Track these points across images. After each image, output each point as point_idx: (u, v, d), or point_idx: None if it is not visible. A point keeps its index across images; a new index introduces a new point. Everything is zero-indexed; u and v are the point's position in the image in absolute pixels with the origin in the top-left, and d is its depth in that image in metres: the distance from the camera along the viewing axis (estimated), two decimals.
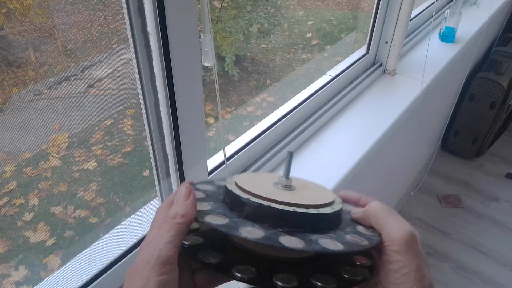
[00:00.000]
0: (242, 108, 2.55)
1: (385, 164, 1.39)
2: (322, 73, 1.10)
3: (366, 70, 1.20)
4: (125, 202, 1.52)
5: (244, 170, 0.81)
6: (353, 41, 3.08)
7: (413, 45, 1.42)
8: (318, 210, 0.32)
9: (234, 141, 0.83)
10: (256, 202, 0.31)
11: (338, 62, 1.15)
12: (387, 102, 1.13)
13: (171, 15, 0.47)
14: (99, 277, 0.57)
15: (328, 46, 3.21)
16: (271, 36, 2.96)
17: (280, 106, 0.95)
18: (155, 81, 0.52)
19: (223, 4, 2.61)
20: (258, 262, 0.31)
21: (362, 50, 1.20)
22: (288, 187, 0.35)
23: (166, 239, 0.29)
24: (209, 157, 0.74)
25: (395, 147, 1.40)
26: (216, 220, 0.31)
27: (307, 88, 1.02)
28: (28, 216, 1.32)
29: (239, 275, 0.29)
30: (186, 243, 0.32)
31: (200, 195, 0.36)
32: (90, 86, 1.60)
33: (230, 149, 0.80)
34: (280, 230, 0.30)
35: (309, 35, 3.29)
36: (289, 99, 0.98)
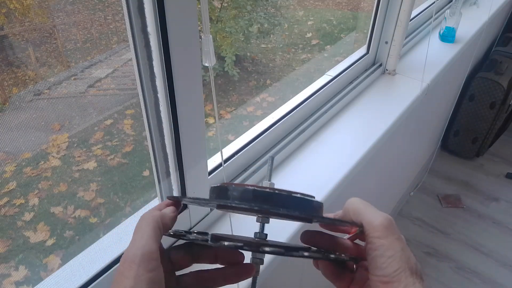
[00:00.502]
0: (242, 108, 2.55)
1: (385, 164, 1.39)
2: (322, 73, 1.10)
3: (366, 70, 1.20)
4: (125, 202, 1.52)
5: (244, 171, 0.81)
6: (353, 41, 3.08)
7: (413, 45, 1.42)
8: (301, 195, 0.33)
9: (234, 141, 0.83)
10: (242, 188, 0.32)
11: (338, 62, 1.15)
12: (387, 102, 1.13)
13: (171, 15, 0.47)
14: (99, 277, 0.57)
15: (328, 46, 3.21)
16: (271, 36, 2.96)
17: (280, 106, 0.95)
18: (155, 81, 0.52)
19: (223, 4, 2.61)
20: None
21: (362, 50, 1.20)
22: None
23: (147, 234, 0.30)
24: (209, 157, 0.74)
25: (395, 147, 1.40)
26: (202, 201, 0.32)
27: (307, 88, 1.02)
28: (28, 216, 1.32)
29: (226, 243, 0.29)
30: (171, 232, 0.33)
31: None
32: (90, 86, 1.60)
33: (230, 149, 0.80)
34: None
35: (309, 35, 3.29)
36: (289, 99, 0.98)
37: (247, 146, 0.81)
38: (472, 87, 2.13)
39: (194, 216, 0.68)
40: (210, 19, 2.49)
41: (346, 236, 0.39)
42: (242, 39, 2.69)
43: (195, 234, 0.38)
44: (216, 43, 2.47)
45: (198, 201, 0.34)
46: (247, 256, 0.36)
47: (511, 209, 2.08)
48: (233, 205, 0.31)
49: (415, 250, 1.88)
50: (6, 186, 1.32)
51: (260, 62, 2.95)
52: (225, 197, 0.32)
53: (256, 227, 0.37)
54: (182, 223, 0.67)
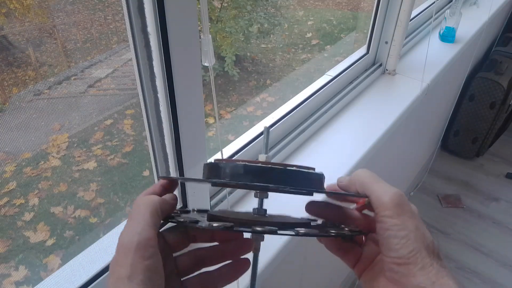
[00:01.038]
0: (242, 108, 2.55)
1: (385, 164, 1.39)
2: (322, 73, 1.10)
3: (366, 70, 1.20)
4: (125, 202, 1.52)
5: None
6: (353, 41, 3.08)
7: (413, 45, 1.42)
8: (297, 169, 0.31)
9: (234, 141, 0.83)
10: (233, 164, 0.30)
11: (338, 62, 1.15)
12: (387, 102, 1.13)
13: (171, 15, 0.47)
14: (99, 277, 0.57)
15: (328, 46, 3.21)
16: (271, 36, 2.96)
17: (280, 106, 0.95)
18: (155, 81, 0.52)
19: (223, 4, 2.61)
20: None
21: (362, 50, 1.20)
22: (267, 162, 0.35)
23: (144, 220, 0.28)
24: (209, 157, 0.74)
25: (395, 147, 1.40)
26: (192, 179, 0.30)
27: (307, 88, 1.02)
28: (28, 216, 1.32)
29: (215, 224, 0.28)
30: (170, 220, 0.31)
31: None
32: (90, 86, 1.60)
33: (230, 149, 0.80)
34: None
35: (309, 35, 3.29)
36: (289, 99, 0.98)
37: (247, 146, 0.81)
38: (472, 87, 2.13)
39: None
40: (210, 19, 2.49)
41: (353, 206, 0.37)
42: (242, 39, 2.69)
43: (195, 211, 0.37)
44: (216, 43, 2.47)
45: (191, 180, 0.32)
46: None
47: (511, 209, 2.08)
48: (224, 182, 0.30)
49: None
50: (6, 186, 1.32)
51: (260, 62, 2.95)
52: (217, 174, 0.31)
53: (241, 203, 0.36)
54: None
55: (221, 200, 0.74)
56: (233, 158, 0.80)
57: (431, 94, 1.33)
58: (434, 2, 1.53)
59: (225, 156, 0.77)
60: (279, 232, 0.27)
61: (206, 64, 0.53)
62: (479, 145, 2.28)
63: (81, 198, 1.45)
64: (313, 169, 0.33)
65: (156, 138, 0.58)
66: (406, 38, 1.31)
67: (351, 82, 1.13)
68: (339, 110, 1.07)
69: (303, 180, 0.31)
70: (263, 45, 3.00)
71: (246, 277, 0.34)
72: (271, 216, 0.35)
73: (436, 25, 1.56)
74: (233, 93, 2.63)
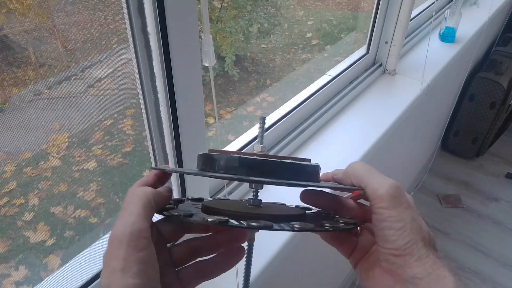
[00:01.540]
0: (242, 108, 2.55)
1: (385, 164, 1.39)
2: (322, 73, 1.10)
3: (366, 70, 1.20)
4: None
5: None
6: (353, 41, 3.08)
7: (413, 45, 1.42)
8: (292, 161, 0.31)
9: (234, 141, 0.83)
10: (227, 156, 0.30)
11: (338, 62, 1.15)
12: (387, 102, 1.13)
13: (171, 15, 0.47)
14: (99, 277, 0.57)
15: (328, 46, 3.21)
16: (271, 36, 2.96)
17: (280, 106, 0.95)
18: (155, 81, 0.52)
19: (223, 4, 2.61)
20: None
21: (362, 50, 1.20)
22: (263, 153, 0.34)
23: (137, 211, 0.27)
24: None
25: (395, 147, 1.40)
26: (185, 170, 0.30)
27: (307, 88, 1.03)
28: (28, 216, 1.32)
29: (209, 219, 0.27)
30: (163, 212, 0.31)
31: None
32: (90, 86, 1.60)
33: (230, 149, 0.80)
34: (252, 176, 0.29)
35: (309, 35, 3.29)
36: (289, 99, 0.98)
37: (247, 146, 0.81)
38: (472, 87, 2.13)
39: None
40: (210, 19, 2.49)
41: (348, 194, 0.37)
42: (242, 39, 2.69)
43: (189, 200, 0.37)
44: (216, 43, 2.47)
45: (183, 172, 0.32)
46: None
47: (511, 209, 2.08)
48: (218, 175, 0.29)
49: None
50: (6, 186, 1.32)
51: (260, 62, 2.95)
52: (211, 166, 0.30)
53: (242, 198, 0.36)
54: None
55: (220, 192, 0.74)
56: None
57: (431, 94, 1.33)
58: (434, 2, 1.53)
59: None
60: (274, 227, 0.27)
61: (206, 64, 0.53)
62: (479, 145, 2.28)
63: (81, 198, 1.45)
64: (309, 160, 0.32)
65: (156, 138, 0.58)
66: (406, 38, 1.31)
67: (351, 82, 1.13)
68: (339, 110, 1.07)
69: (299, 173, 0.31)
70: (263, 45, 3.00)
71: (242, 269, 0.34)
72: (266, 206, 0.35)
73: (436, 25, 1.56)
74: (233, 93, 2.63)
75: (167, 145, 0.59)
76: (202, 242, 0.34)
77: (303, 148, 0.94)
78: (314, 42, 3.24)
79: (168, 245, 0.33)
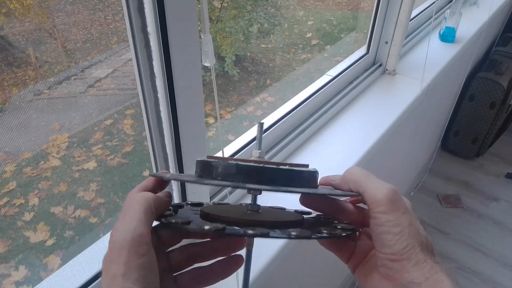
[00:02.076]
0: (242, 108, 2.55)
1: (385, 164, 1.39)
2: (322, 73, 1.10)
3: (366, 70, 1.20)
4: None
5: None
6: (353, 41, 3.08)
7: (413, 45, 1.42)
8: (289, 167, 0.31)
9: (234, 141, 0.83)
10: (225, 162, 0.30)
11: (338, 62, 1.15)
12: (387, 102, 1.13)
13: (171, 15, 0.47)
14: (99, 277, 0.57)
15: (328, 46, 3.21)
16: (271, 36, 2.96)
17: (280, 106, 0.95)
18: (155, 81, 0.52)
19: (223, 4, 2.61)
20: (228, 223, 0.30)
21: (362, 50, 1.20)
22: (261, 158, 0.34)
23: (138, 216, 0.27)
24: None
25: (395, 147, 1.40)
26: (181, 177, 0.30)
27: (307, 88, 1.03)
28: (28, 216, 1.32)
29: (206, 227, 0.27)
30: (162, 219, 0.31)
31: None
32: (90, 86, 1.60)
33: (230, 149, 0.80)
34: (250, 184, 0.29)
35: (309, 35, 3.29)
36: (289, 99, 0.98)
37: (247, 146, 0.81)
38: (472, 87, 2.13)
39: None
40: (210, 19, 2.49)
41: (346, 198, 0.36)
42: (242, 39, 2.69)
43: (189, 205, 0.37)
44: (216, 43, 2.47)
45: (182, 180, 0.32)
46: None
47: (511, 209, 2.08)
48: (216, 183, 0.29)
49: None
50: (6, 186, 1.32)
51: (260, 62, 2.95)
52: (209, 173, 0.31)
53: (242, 202, 0.36)
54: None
55: (221, 199, 0.74)
56: (226, 156, 0.80)
57: (431, 94, 1.33)
58: (434, 2, 1.53)
59: (225, 156, 0.77)
60: (271, 235, 0.27)
61: (206, 64, 0.53)
62: (479, 145, 2.28)
63: (81, 198, 1.45)
64: (307, 166, 0.32)
65: (156, 138, 0.58)
66: (406, 38, 1.31)
67: (351, 82, 1.13)
68: (339, 110, 1.07)
69: (296, 179, 0.31)
70: (263, 45, 3.00)
71: (242, 274, 0.34)
72: (264, 211, 0.35)
73: (436, 25, 1.56)
74: (233, 93, 2.63)
75: (167, 145, 0.59)
76: (200, 248, 0.34)
77: (303, 148, 0.94)
78: (314, 42, 3.24)
79: (166, 250, 0.33)
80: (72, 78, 1.51)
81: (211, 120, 2.00)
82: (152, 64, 0.51)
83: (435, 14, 1.52)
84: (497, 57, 2.17)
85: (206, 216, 0.32)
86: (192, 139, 0.60)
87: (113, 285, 0.25)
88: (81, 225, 1.42)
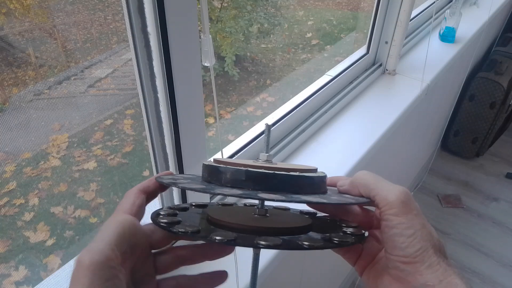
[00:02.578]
0: (242, 108, 2.55)
1: (385, 164, 1.39)
2: (322, 73, 1.10)
3: (366, 70, 1.20)
4: None
5: None
6: (353, 41, 3.08)
7: (413, 45, 1.42)
8: (299, 173, 0.30)
9: (234, 141, 0.83)
10: (234, 168, 0.30)
11: (338, 62, 1.15)
12: (387, 102, 1.13)
13: (171, 15, 0.47)
14: None
15: (328, 46, 3.21)
16: (271, 36, 2.96)
17: (280, 106, 0.95)
18: (155, 81, 0.52)
19: (223, 4, 2.61)
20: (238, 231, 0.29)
21: (362, 50, 1.20)
22: (269, 162, 0.34)
23: (108, 239, 0.27)
24: (209, 157, 0.74)
25: (395, 147, 1.40)
26: (191, 185, 0.30)
27: (307, 88, 1.03)
28: (28, 216, 1.32)
29: (218, 237, 0.27)
30: (163, 221, 0.30)
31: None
32: (90, 86, 1.60)
33: (230, 149, 0.80)
34: (260, 191, 0.29)
35: (309, 35, 3.29)
36: (289, 99, 0.98)
37: (247, 146, 0.81)
38: (472, 87, 2.13)
39: None
40: (210, 19, 2.49)
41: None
42: (242, 39, 2.69)
43: (193, 207, 0.36)
44: (216, 43, 2.47)
45: (193, 187, 0.31)
46: None
47: (511, 209, 2.08)
48: (227, 191, 0.29)
49: None
50: (6, 186, 1.32)
51: (260, 62, 2.95)
52: (218, 179, 0.30)
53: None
54: None
55: (221, 198, 0.74)
56: (233, 159, 0.79)
57: (431, 94, 1.33)
58: (434, 2, 1.53)
59: (225, 156, 0.77)
60: (283, 247, 0.27)
61: (206, 64, 0.53)
62: (479, 145, 2.28)
63: (81, 198, 1.45)
64: (315, 169, 0.32)
65: (156, 138, 0.58)
66: (406, 38, 1.31)
67: (351, 82, 1.13)
68: (339, 110, 1.07)
69: (308, 186, 0.31)
70: (263, 45, 3.00)
71: (246, 277, 0.34)
72: (272, 215, 0.34)
73: (436, 25, 1.56)
74: (233, 93, 2.63)
75: (167, 145, 0.59)
76: (189, 251, 0.33)
77: (303, 148, 0.94)
78: (314, 42, 3.24)
79: (154, 251, 0.33)
80: (72, 78, 1.51)
81: (211, 120, 2.00)
82: (152, 64, 0.51)
83: (435, 14, 1.52)
84: (497, 57, 2.17)
85: (214, 223, 0.32)
86: (192, 139, 0.60)
87: None
88: (81, 225, 1.42)
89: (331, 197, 0.31)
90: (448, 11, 1.44)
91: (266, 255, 0.68)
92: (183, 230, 0.28)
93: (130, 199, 0.32)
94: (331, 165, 0.89)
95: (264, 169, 0.29)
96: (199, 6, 0.49)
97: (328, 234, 0.31)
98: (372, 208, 0.35)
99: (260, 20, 2.73)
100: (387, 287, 0.31)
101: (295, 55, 3.07)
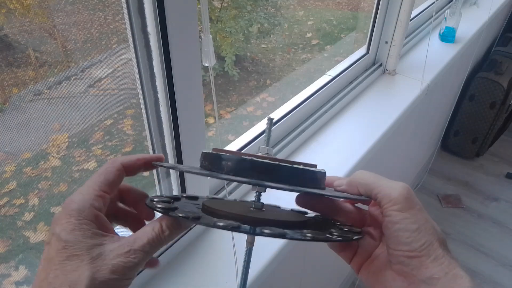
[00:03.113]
0: (242, 108, 2.55)
1: (385, 164, 1.39)
2: (322, 73, 1.10)
3: (366, 70, 1.20)
4: None
5: None
6: (353, 41, 3.08)
7: (413, 45, 1.42)
8: (303, 167, 0.30)
9: (234, 141, 0.83)
10: (238, 157, 0.30)
11: (338, 62, 1.15)
12: (387, 102, 1.13)
13: (171, 15, 0.47)
14: None
15: (328, 46, 3.21)
16: (271, 36, 2.96)
17: (280, 106, 0.95)
18: (155, 81, 0.52)
19: (223, 4, 2.61)
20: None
21: (362, 50, 1.20)
22: (269, 155, 0.34)
23: (90, 189, 0.31)
24: None
25: (395, 147, 1.40)
26: (194, 169, 0.30)
27: (307, 88, 1.03)
28: (28, 216, 1.32)
29: (221, 224, 0.27)
30: (160, 206, 0.30)
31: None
32: (90, 86, 1.60)
33: (230, 149, 0.80)
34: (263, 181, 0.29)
35: (309, 35, 3.29)
36: (289, 99, 0.98)
37: (247, 146, 0.81)
38: (472, 87, 2.13)
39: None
40: (210, 19, 2.49)
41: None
42: (242, 39, 2.69)
43: (184, 198, 0.36)
44: (216, 43, 2.47)
45: (197, 172, 0.31)
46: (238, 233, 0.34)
47: (511, 209, 2.08)
48: (230, 178, 0.28)
49: None
50: (6, 186, 1.32)
51: (260, 62, 2.94)
52: (219, 168, 0.30)
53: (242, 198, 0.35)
54: None
55: (218, 193, 0.74)
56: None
57: (431, 94, 1.33)
58: (434, 2, 1.53)
59: None
60: (287, 236, 0.27)
61: (206, 64, 0.53)
62: (479, 145, 2.28)
63: None
64: (315, 166, 0.32)
65: (156, 138, 0.58)
66: (406, 38, 1.31)
67: (351, 82, 1.13)
68: (339, 110, 1.07)
69: (309, 180, 0.31)
70: (263, 45, 3.00)
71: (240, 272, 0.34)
72: (267, 210, 0.34)
73: (436, 25, 1.56)
74: (233, 93, 2.63)
75: (167, 145, 0.59)
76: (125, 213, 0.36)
77: (303, 148, 0.94)
78: (314, 42, 3.24)
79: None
80: (72, 78, 1.51)
81: (211, 120, 2.00)
82: (152, 64, 0.51)
83: (435, 14, 1.52)
84: (497, 57, 2.17)
85: (213, 212, 0.31)
86: (192, 139, 0.60)
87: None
88: None
89: (334, 192, 0.31)
90: (448, 11, 1.44)
91: (266, 255, 0.68)
92: (183, 215, 0.28)
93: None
94: (331, 165, 0.89)
95: (269, 160, 0.29)
96: (199, 6, 0.49)
97: (328, 230, 0.31)
98: (364, 207, 0.35)
99: (260, 20, 2.73)
100: (390, 283, 0.31)
101: (295, 55, 3.07)
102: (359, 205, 0.36)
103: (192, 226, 0.67)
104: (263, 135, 0.84)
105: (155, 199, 0.32)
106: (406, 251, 0.29)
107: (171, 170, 0.62)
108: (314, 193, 0.30)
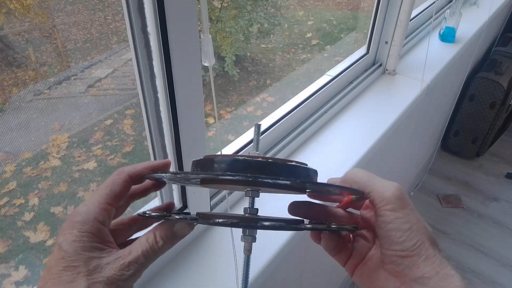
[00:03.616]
0: (242, 108, 2.55)
1: (385, 164, 1.39)
2: (322, 73, 1.10)
3: (366, 70, 1.20)
4: None
5: None
6: (353, 41, 3.08)
7: (413, 45, 1.42)
8: (296, 164, 0.31)
9: (234, 141, 0.83)
10: (231, 158, 0.30)
11: (338, 62, 1.15)
12: (387, 102, 1.13)
13: (171, 15, 0.47)
14: None
15: (328, 46, 3.21)
16: (271, 36, 2.96)
17: (280, 106, 0.95)
18: (155, 81, 0.52)
19: (223, 4, 2.61)
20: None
21: (362, 50, 1.20)
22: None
23: (96, 201, 0.30)
24: None
25: (395, 147, 1.40)
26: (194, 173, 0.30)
27: (307, 88, 1.03)
28: (28, 216, 1.32)
29: (221, 220, 0.27)
30: (154, 214, 0.31)
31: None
32: (90, 86, 1.60)
33: (230, 149, 0.80)
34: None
35: (309, 35, 3.29)
36: (289, 99, 0.98)
37: (247, 146, 0.81)
38: (472, 87, 2.13)
39: None
40: (210, 19, 2.49)
41: (335, 204, 0.37)
42: (242, 39, 2.69)
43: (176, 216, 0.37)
44: (216, 43, 2.47)
45: (187, 175, 0.31)
46: (237, 234, 0.34)
47: (511, 209, 2.08)
48: (226, 177, 0.28)
49: None
50: (6, 186, 1.32)
51: (260, 62, 2.94)
52: (212, 170, 0.30)
53: (241, 204, 0.35)
54: None
55: (220, 201, 0.74)
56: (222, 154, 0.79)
57: (431, 94, 1.33)
58: (434, 2, 1.53)
59: None
60: (288, 227, 0.27)
61: (206, 64, 0.53)
62: (479, 145, 2.28)
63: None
64: (306, 164, 0.32)
65: (156, 138, 0.58)
66: (406, 38, 1.31)
67: (351, 82, 1.13)
68: (339, 110, 1.07)
69: (302, 177, 0.31)
70: (263, 45, 3.00)
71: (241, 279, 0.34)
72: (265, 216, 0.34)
73: (436, 25, 1.56)
74: (233, 93, 2.63)
75: (167, 145, 0.59)
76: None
77: (303, 148, 0.94)
78: (314, 42, 3.24)
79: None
80: (72, 78, 1.51)
81: (211, 120, 2.00)
82: (152, 64, 0.51)
83: (435, 14, 1.52)
84: (497, 57, 2.17)
85: (209, 218, 0.31)
86: (192, 139, 0.60)
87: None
88: None
89: (330, 185, 0.32)
90: (448, 11, 1.44)
91: (266, 255, 0.68)
92: (180, 217, 0.29)
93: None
94: (331, 165, 0.89)
95: (261, 159, 0.30)
96: (199, 6, 0.49)
97: (326, 224, 0.31)
98: (356, 211, 0.36)
99: (260, 20, 2.73)
100: (383, 283, 0.31)
101: (295, 55, 3.07)
102: (350, 209, 0.36)
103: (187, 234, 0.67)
104: (261, 140, 0.84)
105: (152, 214, 0.32)
106: (398, 250, 0.29)
107: (170, 170, 0.62)
108: (314, 184, 0.30)
